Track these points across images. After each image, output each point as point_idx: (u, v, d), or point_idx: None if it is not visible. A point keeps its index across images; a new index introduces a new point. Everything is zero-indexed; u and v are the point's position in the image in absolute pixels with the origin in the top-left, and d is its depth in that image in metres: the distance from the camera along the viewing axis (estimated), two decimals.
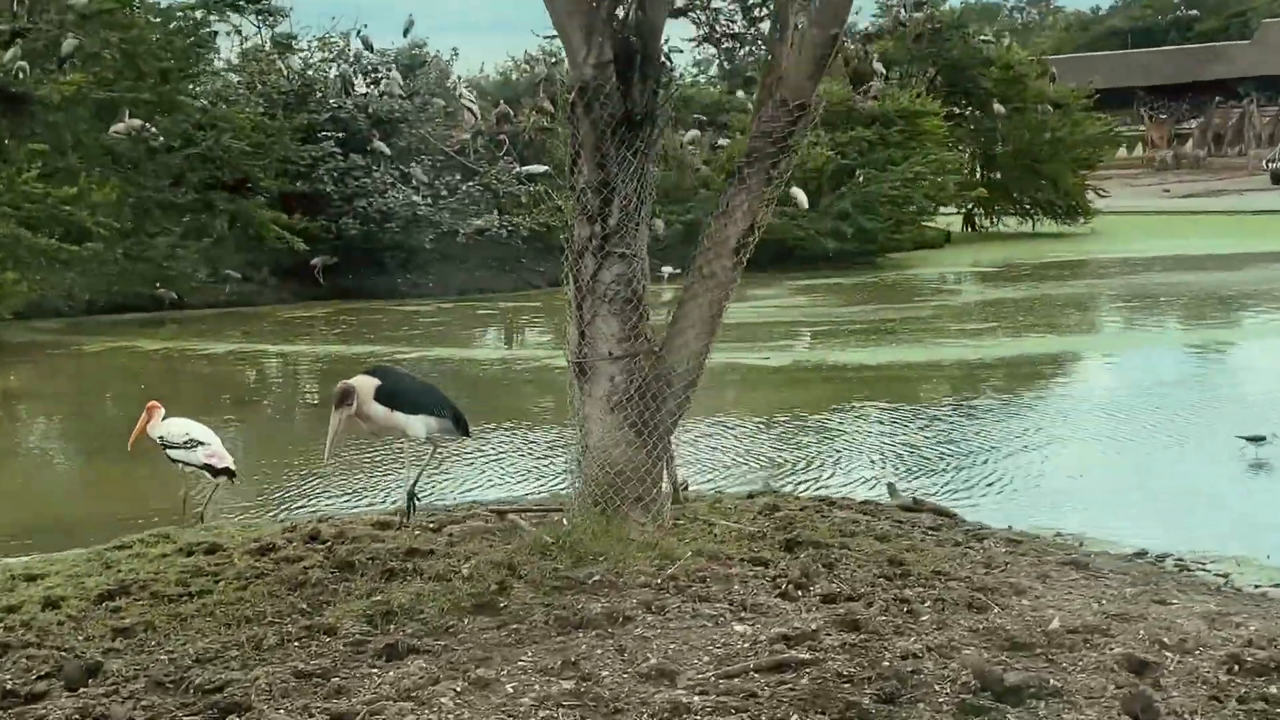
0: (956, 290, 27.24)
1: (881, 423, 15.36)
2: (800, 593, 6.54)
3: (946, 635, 5.90)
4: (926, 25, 38.16)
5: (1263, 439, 11.85)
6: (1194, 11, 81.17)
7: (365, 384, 7.87)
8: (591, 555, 6.93)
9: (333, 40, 31.72)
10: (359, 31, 31.59)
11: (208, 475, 10.05)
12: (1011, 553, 7.95)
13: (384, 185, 26.95)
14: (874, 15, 39.94)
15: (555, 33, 8.78)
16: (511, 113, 30.19)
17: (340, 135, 27.40)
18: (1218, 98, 65.61)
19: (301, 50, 30.89)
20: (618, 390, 7.38)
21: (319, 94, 28.77)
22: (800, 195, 28.47)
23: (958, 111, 37.86)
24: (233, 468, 10.15)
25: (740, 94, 35.27)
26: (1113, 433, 13.98)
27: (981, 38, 38.65)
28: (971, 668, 5.17)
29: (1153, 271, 30.54)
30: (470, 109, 29.28)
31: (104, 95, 23.64)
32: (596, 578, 6.61)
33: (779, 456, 13.81)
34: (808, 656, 5.46)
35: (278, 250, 26.42)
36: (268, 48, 31.30)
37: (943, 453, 13.44)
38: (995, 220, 39.16)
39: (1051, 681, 5.18)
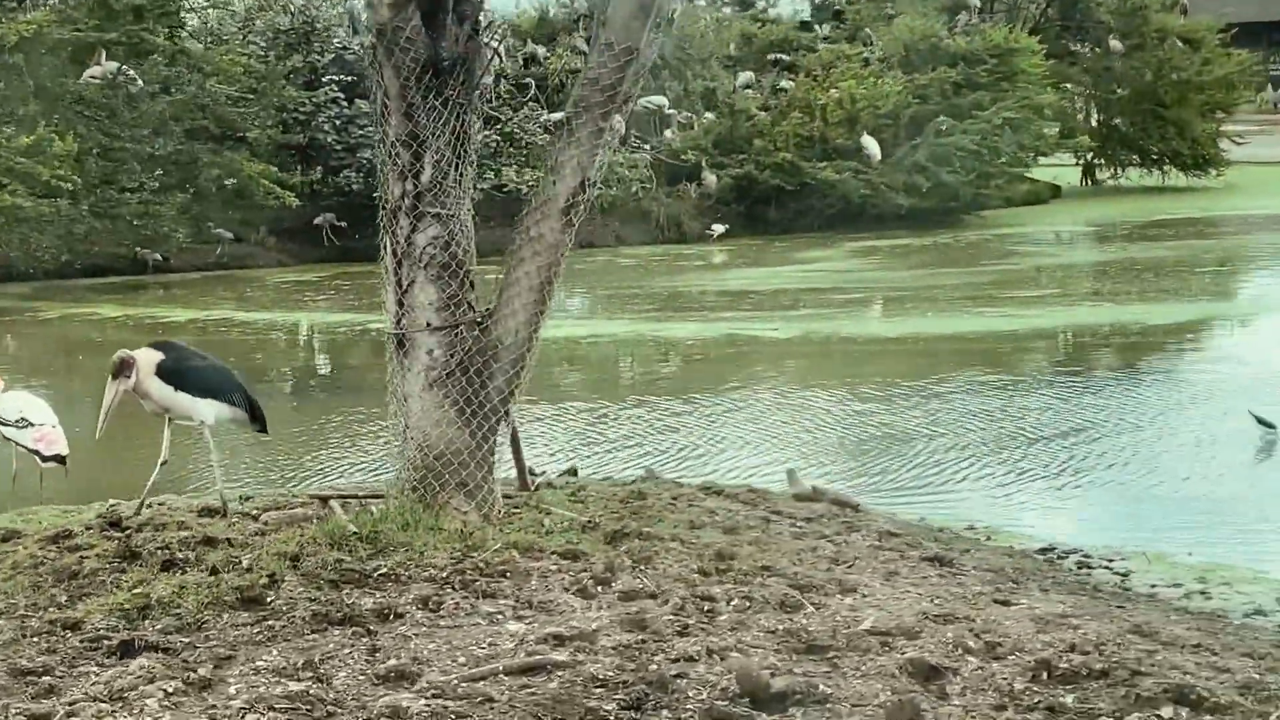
0: (1033, 254, 26.03)
1: (861, 400, 14.92)
2: (599, 589, 6.44)
3: (738, 636, 5.81)
4: None
5: (1272, 426, 12.07)
6: None
7: (147, 357, 7.54)
8: (394, 546, 6.75)
9: None
10: None
11: (37, 459, 9.85)
12: (876, 547, 8.02)
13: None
14: None
15: None
16: (541, 53, 29.19)
17: (345, 79, 26.19)
18: None
19: None
20: (436, 365, 7.16)
21: (324, 32, 27.64)
22: (872, 145, 27.53)
23: (1072, 49, 35.77)
24: (64, 454, 9.85)
25: (820, 28, 33.40)
26: (1091, 426, 13.32)
27: None
28: (737, 672, 5.06)
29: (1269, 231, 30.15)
30: (495, 49, 26.65)
31: (70, 35, 22.63)
32: (383, 570, 6.45)
33: (729, 436, 13.48)
34: (566, 659, 5.39)
35: (274, 208, 25.38)
36: None
37: (908, 434, 13.25)
38: (1118, 172, 36.92)
39: (822, 688, 5.05)
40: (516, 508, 7.85)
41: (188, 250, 25.54)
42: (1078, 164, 37.45)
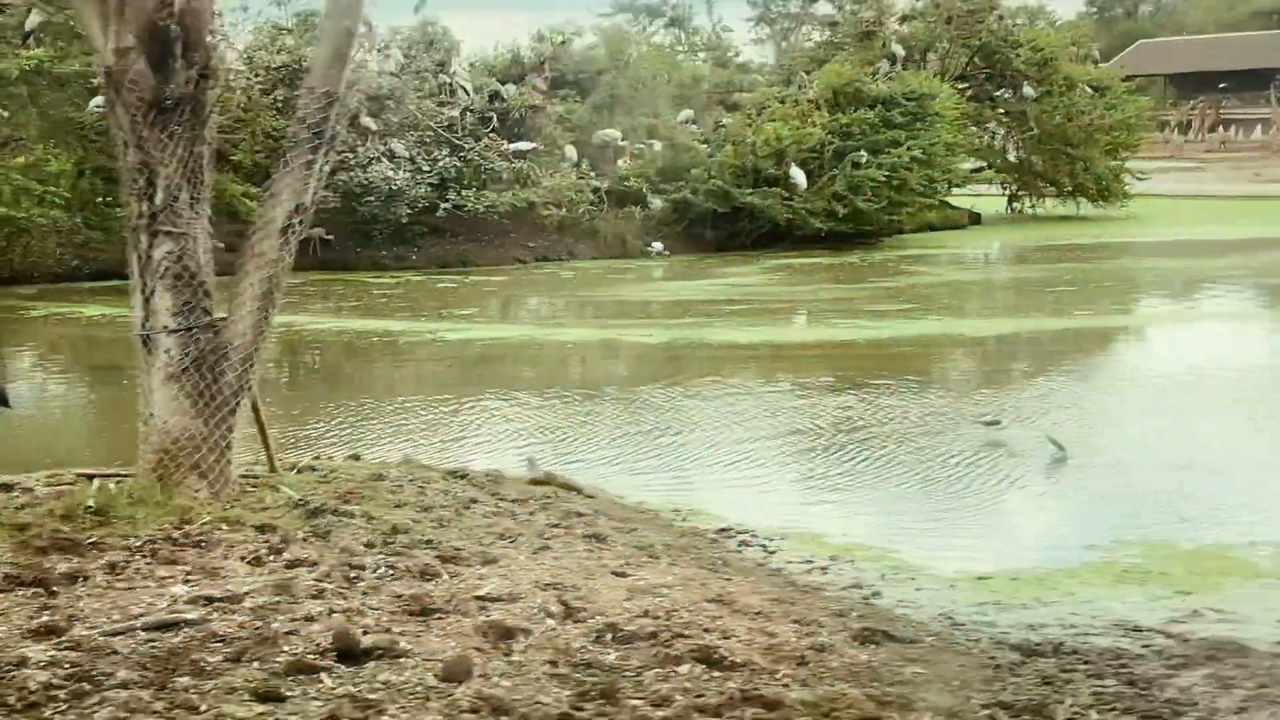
0: (920, 273, 26.94)
1: (675, 398, 15.46)
2: (271, 558, 6.72)
3: (365, 601, 6.21)
4: (958, 4, 37.72)
5: (997, 422, 12.51)
6: None
7: None
8: (120, 519, 7.09)
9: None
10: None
11: None
12: (552, 525, 8.35)
13: (366, 160, 27.13)
14: None
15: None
16: (506, 90, 30.57)
17: None
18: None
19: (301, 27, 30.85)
20: (173, 362, 7.58)
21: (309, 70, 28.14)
22: (799, 175, 28.92)
23: (994, 94, 37.95)
24: None
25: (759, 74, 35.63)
26: (842, 431, 13.73)
27: (1014, 21, 38.63)
28: (335, 631, 5.48)
29: (1146, 256, 30.88)
30: (464, 87, 29.67)
31: (72, 70, 23.78)
32: (92, 540, 6.71)
33: (550, 425, 14.18)
34: (198, 617, 5.68)
35: (255, 222, 26.35)
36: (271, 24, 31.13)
37: (688, 427, 13.79)
38: (1035, 202, 38.81)
39: (403, 645, 5.52)
40: (255, 487, 8.31)
41: None
42: (1003, 194, 38.88)
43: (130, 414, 9.37)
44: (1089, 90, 37.68)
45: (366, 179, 27.09)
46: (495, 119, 29.01)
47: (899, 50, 35.16)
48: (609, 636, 6.03)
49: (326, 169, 8.45)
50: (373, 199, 27.07)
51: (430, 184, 27.64)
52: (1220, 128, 65.96)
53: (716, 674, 5.68)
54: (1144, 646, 7.00)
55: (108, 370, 18.53)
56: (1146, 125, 44.12)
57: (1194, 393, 15.45)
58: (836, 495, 11.62)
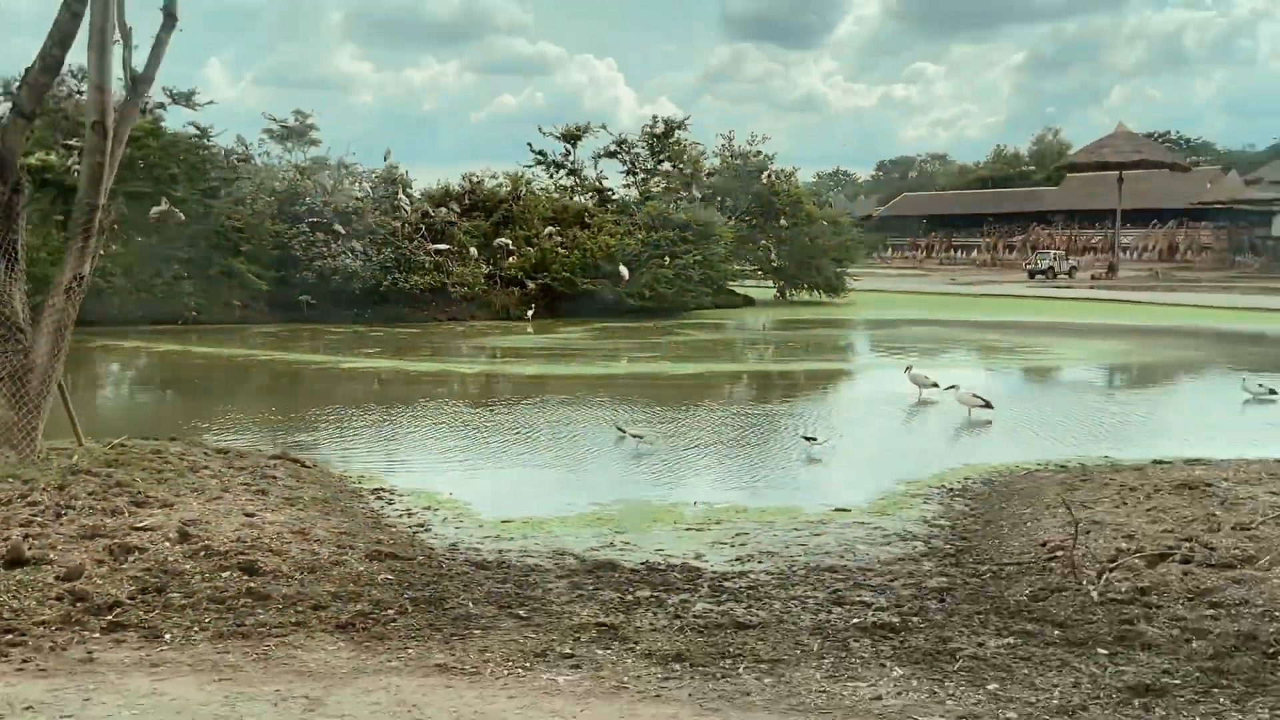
0: (683, 334, 27.30)
1: (442, 409, 15.81)
2: (17, 499, 7.29)
3: (59, 528, 6.78)
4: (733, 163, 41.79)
5: (814, 439, 11.69)
6: (1031, 166, 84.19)
7: None
8: None
9: (326, 162, 32.81)
10: (346, 157, 33.30)
11: None
12: (245, 484, 8.67)
13: (337, 253, 28.22)
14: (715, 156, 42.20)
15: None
16: (433, 211, 32.30)
17: (313, 220, 29.10)
18: (1035, 223, 69.22)
19: (310, 168, 32.34)
20: None
21: (307, 195, 30.11)
22: (625, 271, 31.27)
23: (765, 223, 41.00)
24: None
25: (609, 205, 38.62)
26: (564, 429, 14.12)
27: (772, 175, 41.71)
28: (10, 544, 6.18)
29: (854, 328, 32.34)
30: (405, 207, 30.73)
31: (135, 189, 25.08)
32: None
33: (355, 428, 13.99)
34: None
35: (269, 290, 28.18)
36: (286, 164, 32.67)
37: (444, 429, 14.14)
38: (792, 293, 41.48)
39: (52, 556, 6.25)
40: (58, 456, 8.52)
41: (222, 310, 27.62)
42: (774, 286, 41.60)
43: None
44: (824, 223, 40.65)
45: (335, 265, 28.11)
46: (424, 229, 30.76)
47: (698, 195, 37.85)
48: (200, 553, 6.41)
49: (98, 252, 8.87)
50: (338, 278, 28.00)
51: (378, 268, 28.87)
52: (950, 250, 71.65)
53: (246, 576, 6.28)
54: (555, 564, 7.19)
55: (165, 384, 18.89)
56: (861, 245, 47.56)
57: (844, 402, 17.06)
58: (485, 470, 11.36)
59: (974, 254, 67.46)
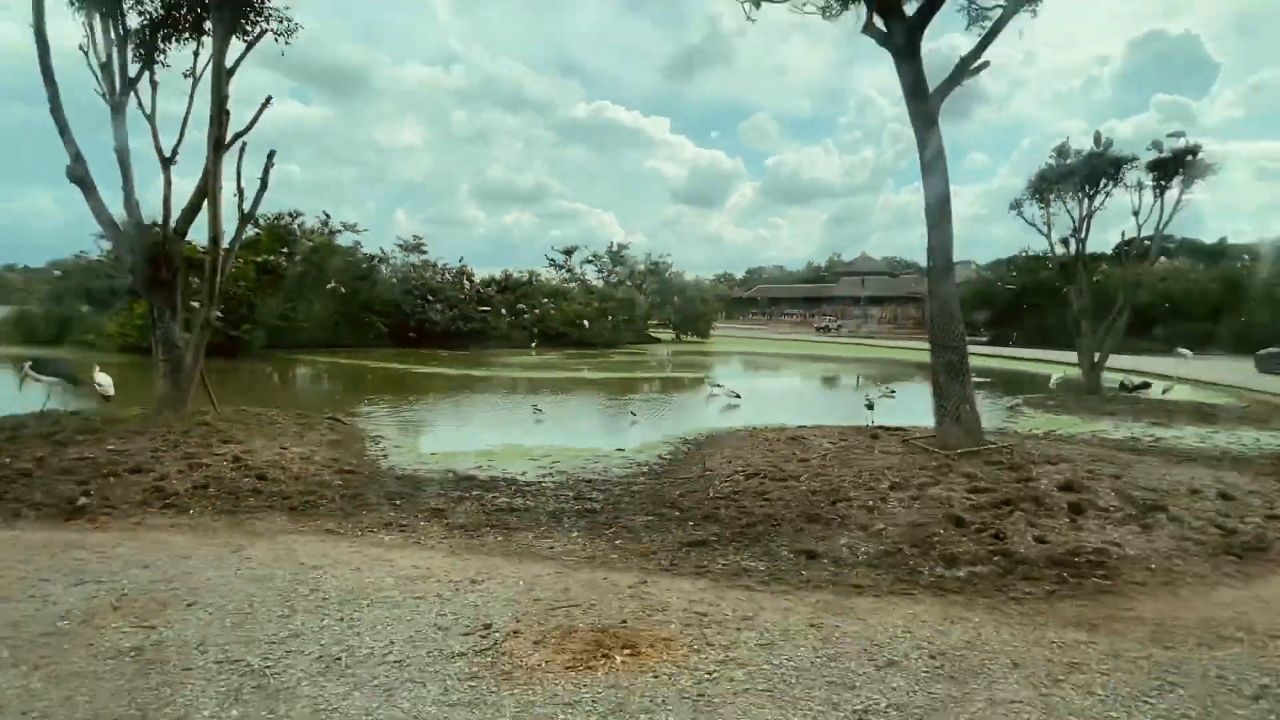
0: (611, 357, 25.50)
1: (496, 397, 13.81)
2: (162, 437, 6.59)
3: (176, 454, 6.09)
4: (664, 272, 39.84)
5: (635, 415, 10.90)
6: (825, 273, 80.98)
7: None
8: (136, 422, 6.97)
9: (430, 263, 30.97)
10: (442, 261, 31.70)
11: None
12: (301, 434, 7.65)
13: (428, 310, 26.93)
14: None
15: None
16: (482, 289, 30.85)
17: (415, 291, 27.63)
18: (823, 303, 65.14)
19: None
20: (163, 370, 7.90)
21: (414, 279, 28.52)
22: (587, 324, 29.80)
23: (663, 299, 38.41)
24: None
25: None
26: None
27: (670, 274, 39.69)
28: (133, 462, 5.47)
29: (716, 355, 28.74)
30: (465, 285, 30.15)
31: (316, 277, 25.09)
32: (128, 429, 6.56)
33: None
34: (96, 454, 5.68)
35: (388, 330, 26.64)
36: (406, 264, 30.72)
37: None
38: (686, 335, 38.54)
39: (167, 468, 5.45)
40: (199, 415, 7.70)
41: (357, 340, 25.16)
42: (674, 331, 38.89)
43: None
44: (699, 300, 39.24)
45: (425, 316, 27.37)
46: (478, 297, 30.35)
47: (637, 293, 37.15)
48: (241, 468, 5.74)
49: (218, 309, 8.25)
50: (427, 324, 27.21)
51: (450, 319, 27.89)
52: (780, 316, 67.85)
53: (259, 480, 5.56)
54: (440, 477, 6.44)
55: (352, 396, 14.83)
56: (721, 311, 45.36)
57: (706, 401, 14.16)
58: (449, 428, 10.04)
59: (792, 318, 65.74)
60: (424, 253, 33.42)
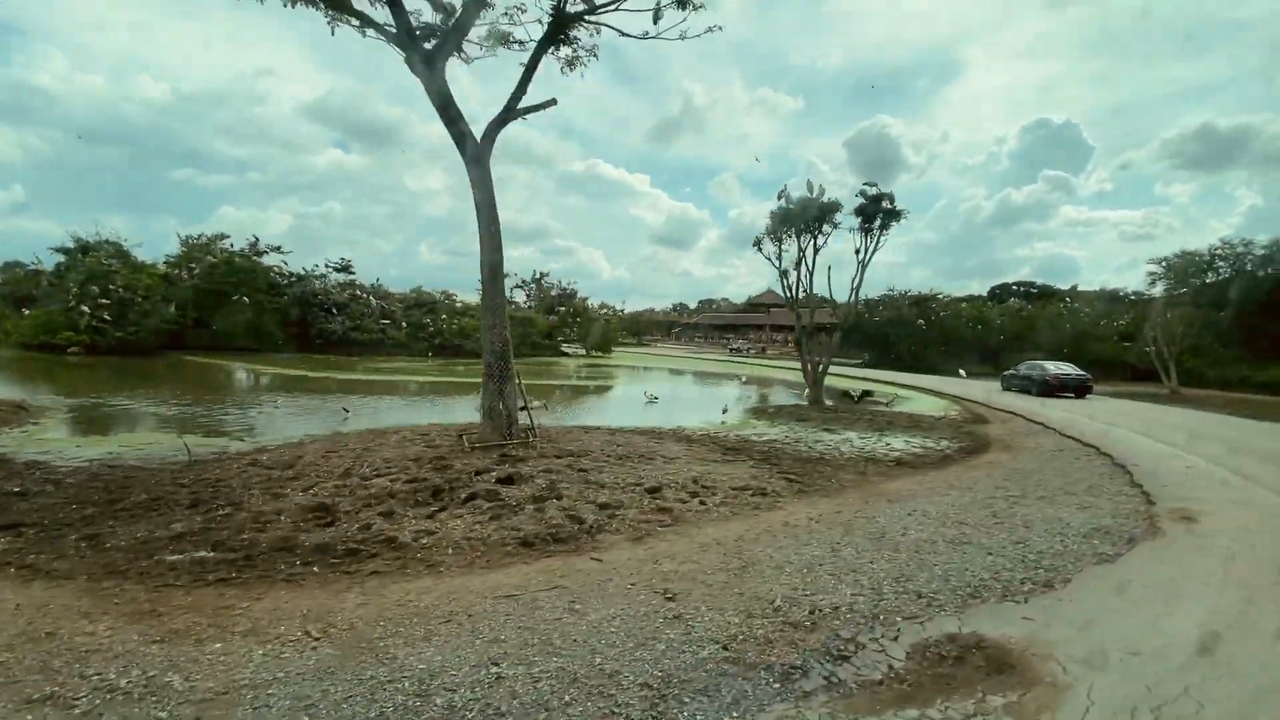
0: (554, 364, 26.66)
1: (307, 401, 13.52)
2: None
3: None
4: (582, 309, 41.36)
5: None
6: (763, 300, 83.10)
7: None
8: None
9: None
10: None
11: None
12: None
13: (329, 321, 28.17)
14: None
15: None
16: (386, 305, 32.11)
17: (320, 305, 29.00)
18: (750, 330, 65.99)
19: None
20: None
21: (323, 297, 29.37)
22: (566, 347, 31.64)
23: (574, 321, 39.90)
24: None
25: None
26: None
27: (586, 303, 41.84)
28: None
29: (620, 368, 28.75)
30: (371, 303, 31.40)
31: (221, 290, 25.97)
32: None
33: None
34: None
35: (289, 337, 27.45)
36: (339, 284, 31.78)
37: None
38: (592, 353, 39.12)
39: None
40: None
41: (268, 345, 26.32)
42: (585, 349, 39.20)
43: None
44: (604, 322, 41.74)
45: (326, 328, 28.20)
46: (380, 315, 31.27)
47: (535, 314, 38.68)
48: None
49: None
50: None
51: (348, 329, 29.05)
52: (704, 338, 68.33)
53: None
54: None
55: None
56: (622, 332, 47.76)
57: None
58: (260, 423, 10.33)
59: (724, 341, 65.74)
60: (352, 274, 35.37)
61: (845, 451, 8.72)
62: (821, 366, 15.75)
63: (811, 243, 15.48)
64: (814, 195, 15.29)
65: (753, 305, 76.14)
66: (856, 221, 15.11)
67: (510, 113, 8.53)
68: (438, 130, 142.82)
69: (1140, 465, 7.97)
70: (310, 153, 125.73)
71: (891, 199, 15.04)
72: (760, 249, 16.07)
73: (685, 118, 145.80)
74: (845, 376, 24.19)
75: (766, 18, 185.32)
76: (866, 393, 16.48)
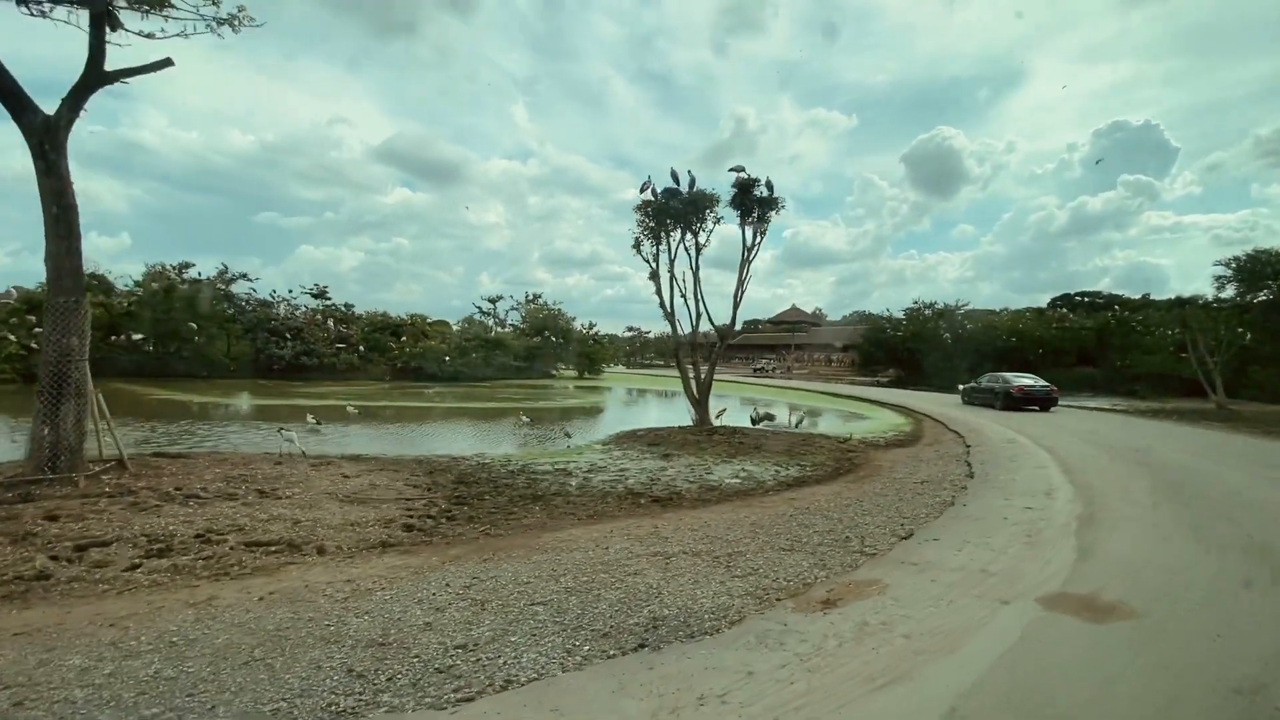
0: (506, 390, 25.56)
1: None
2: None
3: None
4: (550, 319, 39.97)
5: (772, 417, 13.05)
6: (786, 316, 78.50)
7: None
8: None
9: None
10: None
11: None
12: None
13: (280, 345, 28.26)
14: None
15: None
16: (344, 330, 31.40)
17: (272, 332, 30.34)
18: (781, 350, 64.47)
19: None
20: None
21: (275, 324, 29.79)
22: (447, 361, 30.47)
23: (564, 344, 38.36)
24: None
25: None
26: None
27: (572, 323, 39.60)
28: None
29: (616, 388, 28.86)
30: (328, 328, 30.93)
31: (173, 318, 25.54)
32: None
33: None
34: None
35: (237, 364, 27.24)
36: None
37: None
38: (589, 373, 38.61)
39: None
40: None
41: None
42: (576, 370, 38.41)
43: None
44: (598, 343, 39.56)
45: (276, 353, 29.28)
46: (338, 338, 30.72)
47: (509, 337, 36.19)
48: None
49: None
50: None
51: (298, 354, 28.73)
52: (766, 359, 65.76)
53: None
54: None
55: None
56: (610, 353, 43.60)
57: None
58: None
59: (766, 361, 63.25)
60: (328, 299, 34.76)
61: (599, 483, 7.41)
62: (704, 383, 13.93)
63: (694, 240, 13.66)
64: (681, 187, 13.58)
65: (774, 322, 73.51)
66: (735, 216, 13.44)
67: (97, 78, 7.10)
68: (496, 166, 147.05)
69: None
70: (379, 192, 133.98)
71: (770, 185, 13.31)
72: (640, 251, 14.33)
73: (736, 142, 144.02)
74: (813, 392, 23.86)
75: (815, 39, 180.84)
76: (769, 415, 15.06)
